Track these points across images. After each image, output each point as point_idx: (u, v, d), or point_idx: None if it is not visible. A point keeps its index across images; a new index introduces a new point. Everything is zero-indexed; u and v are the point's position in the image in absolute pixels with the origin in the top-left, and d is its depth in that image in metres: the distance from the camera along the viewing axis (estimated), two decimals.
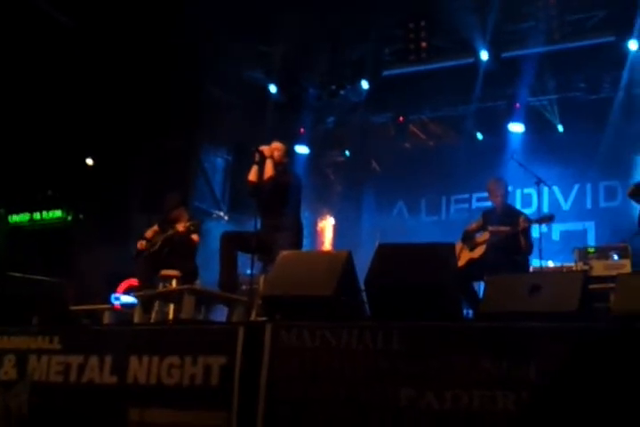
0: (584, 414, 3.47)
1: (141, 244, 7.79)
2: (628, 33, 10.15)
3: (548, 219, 7.42)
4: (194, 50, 12.17)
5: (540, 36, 10.38)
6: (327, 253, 7.68)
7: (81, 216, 13.27)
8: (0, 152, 12.61)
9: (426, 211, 13.32)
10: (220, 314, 7.31)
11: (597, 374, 3.50)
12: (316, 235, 13.65)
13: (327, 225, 13.96)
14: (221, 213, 13.79)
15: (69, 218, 13.34)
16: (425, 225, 12.92)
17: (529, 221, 7.21)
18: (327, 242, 13.81)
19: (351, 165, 13.92)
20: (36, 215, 13.57)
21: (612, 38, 10.33)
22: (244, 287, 7.48)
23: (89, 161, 13.29)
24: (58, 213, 13.43)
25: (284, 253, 4.93)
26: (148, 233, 7.93)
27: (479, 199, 12.35)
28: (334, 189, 14.21)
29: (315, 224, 13.68)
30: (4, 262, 12.21)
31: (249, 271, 6.71)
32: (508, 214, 7.44)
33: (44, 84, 11.73)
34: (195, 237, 7.69)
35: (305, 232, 7.06)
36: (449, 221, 12.65)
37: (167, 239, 7.62)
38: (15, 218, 13.70)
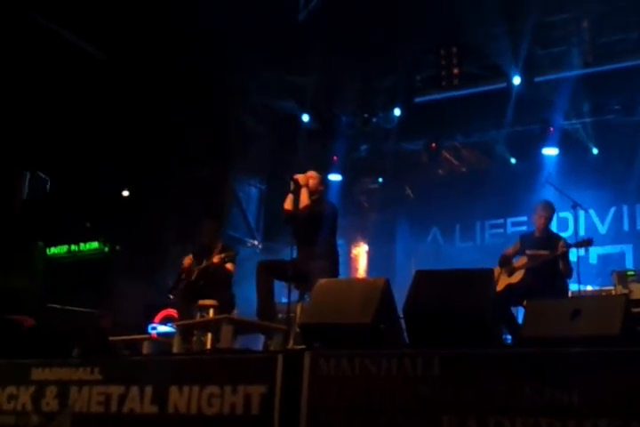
0: None
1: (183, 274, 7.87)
2: None
3: (586, 243, 7.33)
4: (226, 80, 12.33)
5: (573, 59, 10.38)
6: (364, 280, 7.64)
7: (118, 247, 13.41)
8: (38, 186, 12.84)
9: (460, 237, 13.25)
10: (257, 343, 7.31)
11: None
12: (350, 262, 13.64)
13: (361, 252, 13.95)
14: (255, 242, 13.85)
15: (106, 249, 13.48)
16: (460, 251, 12.85)
17: (567, 245, 7.14)
18: (361, 269, 13.79)
19: (384, 191, 13.92)
20: (74, 247, 13.73)
21: None
22: (280, 316, 7.48)
23: (125, 193, 13.45)
24: (95, 245, 13.58)
25: (322, 281, 4.93)
26: (186, 261, 7.97)
27: (514, 224, 12.28)
28: (368, 216, 14.21)
29: (349, 251, 13.67)
30: (43, 294, 12.35)
31: (285, 300, 6.72)
32: (547, 239, 7.36)
33: (78, 117, 11.93)
34: (230, 266, 7.72)
35: (339, 260, 7.06)
36: (484, 247, 12.58)
37: (202, 270, 7.67)
38: (53, 250, 13.87)
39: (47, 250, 13.82)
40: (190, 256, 8.04)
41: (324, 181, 7.13)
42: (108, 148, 12.53)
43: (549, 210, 7.53)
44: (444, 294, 4.38)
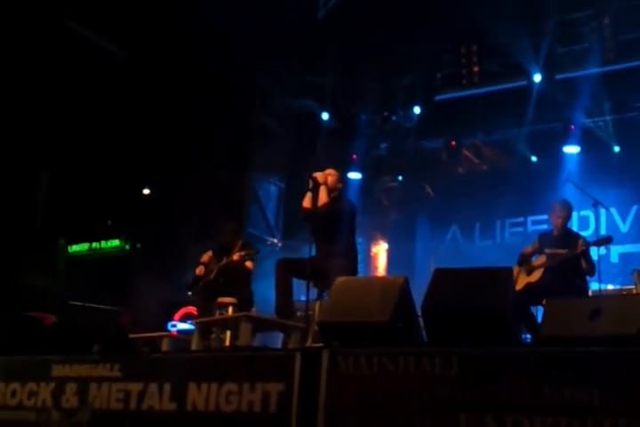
0: None
1: (200, 269, 7.90)
2: None
3: (605, 241, 7.28)
4: (246, 80, 12.36)
5: (594, 56, 10.31)
6: (383, 278, 7.65)
7: (138, 245, 13.47)
8: (59, 184, 12.92)
9: (480, 235, 13.20)
10: (276, 340, 7.32)
11: None
12: (369, 260, 13.64)
13: (381, 250, 13.94)
14: (275, 240, 13.88)
15: (127, 247, 13.54)
16: (479, 249, 12.81)
17: (587, 243, 7.09)
18: (381, 267, 13.78)
19: (404, 190, 13.90)
20: (95, 245, 13.81)
21: None
22: (299, 314, 7.49)
23: (146, 191, 13.52)
24: (116, 243, 13.65)
25: (340, 279, 4.93)
26: (205, 258, 8.02)
27: (534, 222, 12.22)
28: (387, 214, 14.19)
29: (368, 250, 13.67)
30: (64, 292, 12.43)
31: (303, 298, 6.73)
32: (566, 237, 7.31)
33: (100, 116, 12.00)
34: (249, 264, 7.74)
35: (359, 258, 7.06)
36: (504, 245, 12.52)
37: (222, 268, 7.70)
38: (75, 248, 13.95)
39: (69, 248, 13.90)
40: (209, 253, 8.08)
41: (342, 179, 7.12)
42: (129, 147, 12.59)
43: (566, 209, 7.48)
44: (464, 292, 4.36)
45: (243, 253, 7.60)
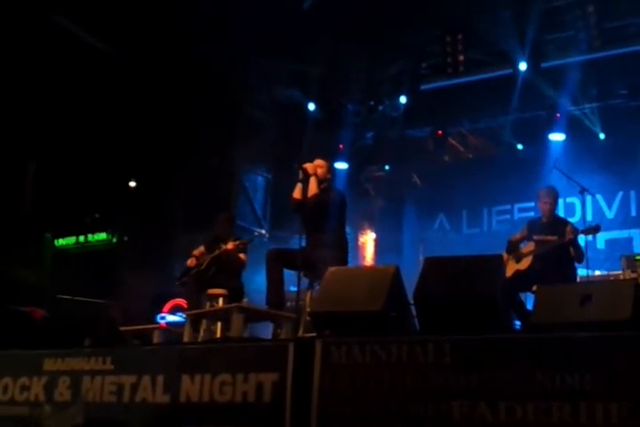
0: None
1: (191, 261, 7.89)
2: None
3: (593, 230, 7.30)
4: (231, 70, 12.31)
5: (579, 44, 10.34)
6: (374, 268, 7.66)
7: (125, 238, 13.44)
8: (45, 178, 12.87)
9: (467, 223, 13.25)
10: (267, 331, 7.34)
11: None
12: (357, 250, 13.65)
13: (368, 240, 13.96)
14: (263, 231, 13.87)
15: (114, 240, 13.52)
16: (467, 237, 12.87)
17: (575, 231, 7.12)
18: (369, 257, 13.80)
19: (391, 179, 13.92)
20: (82, 238, 13.78)
21: None
22: (289, 304, 7.50)
23: (132, 184, 13.47)
24: (103, 236, 13.63)
25: (332, 269, 4.93)
26: (196, 252, 8.01)
27: (521, 210, 12.27)
28: (375, 203, 14.21)
29: (356, 239, 13.68)
30: (52, 286, 12.40)
31: (294, 288, 6.74)
32: (555, 224, 7.35)
33: (85, 109, 11.94)
34: (242, 256, 7.74)
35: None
36: (491, 233, 12.58)
37: (215, 258, 7.69)
38: (61, 241, 13.92)
39: (55, 241, 13.87)
40: (201, 248, 8.05)
41: (331, 169, 7.12)
42: (115, 139, 12.54)
43: (552, 194, 7.50)
44: (454, 280, 4.39)
45: (237, 242, 7.60)
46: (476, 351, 3.92)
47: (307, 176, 6.70)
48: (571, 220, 8.58)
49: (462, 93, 11.72)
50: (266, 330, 7.39)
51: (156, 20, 11.00)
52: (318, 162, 6.86)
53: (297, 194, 6.80)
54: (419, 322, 4.48)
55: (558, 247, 7.09)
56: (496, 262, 4.59)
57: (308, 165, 6.76)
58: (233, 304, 6.60)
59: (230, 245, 7.57)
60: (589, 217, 10.99)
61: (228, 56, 11.89)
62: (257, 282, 7.48)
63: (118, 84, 11.81)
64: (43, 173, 12.97)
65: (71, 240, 13.94)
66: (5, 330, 6.06)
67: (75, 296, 11.50)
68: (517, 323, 6.66)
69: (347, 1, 10.36)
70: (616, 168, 11.39)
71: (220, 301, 7.37)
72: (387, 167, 13.87)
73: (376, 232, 13.91)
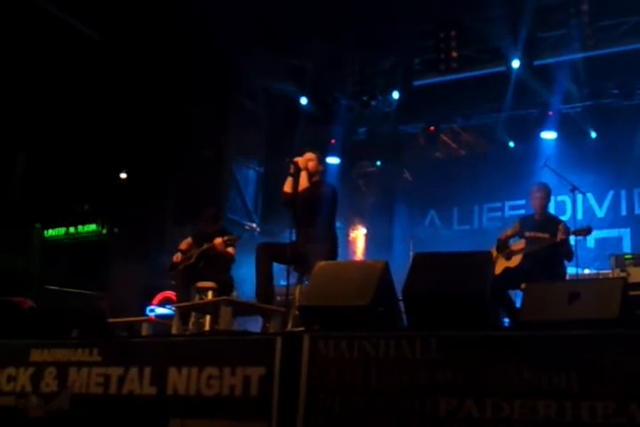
0: (628, 424, 3.43)
1: (177, 257, 7.86)
2: None
3: (585, 231, 7.29)
4: (224, 63, 12.28)
5: (572, 43, 10.35)
6: (364, 263, 7.66)
7: (115, 230, 13.41)
8: (36, 168, 12.82)
9: (458, 220, 13.28)
10: (256, 325, 7.34)
11: None
12: (347, 245, 13.66)
13: (359, 235, 13.97)
14: (253, 225, 13.85)
15: (104, 231, 13.48)
16: (457, 234, 12.90)
17: (567, 231, 7.12)
18: (359, 252, 13.82)
19: (382, 175, 13.93)
20: (72, 229, 13.73)
21: None
22: (279, 298, 7.50)
23: (123, 175, 13.43)
24: (93, 227, 13.59)
25: (321, 263, 4.93)
26: (183, 246, 8.00)
27: (512, 207, 12.30)
28: (366, 199, 14.22)
29: (347, 234, 13.70)
30: (41, 276, 12.37)
31: (283, 282, 6.74)
32: (547, 221, 7.35)
33: (77, 100, 11.90)
34: (231, 250, 7.73)
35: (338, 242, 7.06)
36: (481, 230, 12.61)
37: (203, 253, 7.68)
38: (51, 232, 13.87)
39: (45, 232, 13.82)
40: (189, 240, 8.04)
41: (322, 162, 7.10)
42: (106, 130, 12.50)
43: (544, 190, 7.51)
44: (443, 276, 4.39)
45: (225, 237, 7.59)
46: (464, 348, 3.92)
47: (298, 170, 6.68)
48: (562, 218, 8.60)
49: (455, 90, 11.73)
50: (256, 324, 7.39)
51: (150, 11, 10.95)
52: (309, 155, 6.84)
53: (288, 188, 6.78)
54: (407, 318, 4.47)
55: (549, 246, 7.10)
56: (485, 259, 4.59)
57: (299, 159, 6.74)
58: (221, 297, 6.60)
59: (218, 242, 7.54)
60: (580, 216, 11.03)
61: (222, 49, 11.86)
62: (247, 275, 7.47)
63: (111, 74, 11.77)
64: (33, 163, 12.92)
65: (61, 231, 13.89)
66: None
67: (64, 287, 11.51)
68: (506, 320, 6.69)
69: None
70: (607, 167, 11.43)
71: (210, 294, 7.36)
72: (378, 163, 13.88)
73: (367, 227, 13.92)
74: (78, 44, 11.23)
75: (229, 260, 7.80)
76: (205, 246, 7.66)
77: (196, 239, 7.97)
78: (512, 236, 7.59)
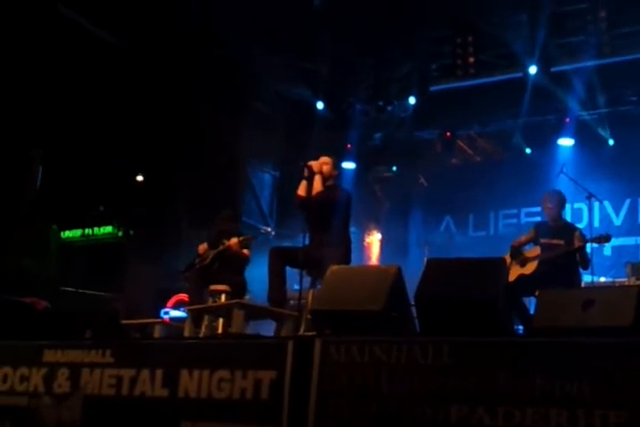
0: None
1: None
2: None
3: (604, 239, 7.23)
4: (240, 67, 12.32)
5: (590, 49, 10.31)
6: (376, 267, 7.66)
7: (131, 232, 13.45)
8: (53, 169, 12.89)
9: (473, 226, 13.25)
10: (268, 328, 7.34)
11: None
12: (363, 250, 13.66)
13: (374, 240, 13.97)
14: (268, 229, 13.87)
15: (120, 233, 13.53)
16: (472, 240, 12.86)
17: (583, 240, 7.07)
18: (374, 257, 13.81)
19: (398, 180, 13.92)
20: (88, 231, 13.79)
21: None
22: (292, 302, 7.50)
23: (139, 177, 13.49)
24: (109, 229, 13.63)
25: (334, 267, 4.92)
26: (201, 248, 8.00)
27: (528, 214, 12.26)
28: (381, 204, 14.22)
29: (362, 239, 13.70)
30: (56, 278, 12.42)
31: (297, 286, 6.73)
32: (563, 229, 7.30)
33: (94, 102, 11.96)
34: (246, 251, 7.74)
35: (352, 247, 7.05)
36: (497, 237, 12.57)
37: (218, 254, 7.69)
38: (67, 234, 13.93)
39: (61, 234, 13.88)
40: (205, 245, 8.05)
41: (337, 166, 7.09)
42: (122, 133, 12.55)
43: (556, 199, 7.46)
44: (456, 282, 4.37)
45: (241, 238, 7.61)
46: (476, 354, 3.89)
47: (312, 174, 6.68)
48: (578, 226, 8.56)
49: (472, 96, 11.71)
50: (269, 328, 7.39)
51: (165, 16, 11.00)
52: (324, 159, 6.84)
53: (302, 191, 6.78)
54: (419, 323, 4.46)
55: (564, 253, 7.05)
56: (498, 265, 4.57)
57: (313, 163, 6.75)
58: (234, 301, 6.60)
59: (233, 242, 7.56)
60: (596, 223, 10.97)
61: (238, 53, 11.89)
62: (260, 279, 7.47)
63: (128, 77, 11.82)
64: (50, 164, 12.99)
65: (77, 233, 13.95)
66: (5, 320, 6.08)
67: (79, 289, 11.56)
68: (520, 327, 6.65)
69: (357, 0, 10.34)
70: (625, 175, 11.37)
71: (223, 297, 7.37)
72: (394, 168, 13.87)
73: (382, 233, 13.91)
74: (96, 47, 11.29)
75: (244, 261, 7.80)
76: (221, 248, 7.68)
77: (211, 242, 7.98)
78: (526, 243, 7.55)
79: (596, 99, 11.23)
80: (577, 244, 7.00)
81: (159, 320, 8.38)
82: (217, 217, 8.28)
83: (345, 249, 6.65)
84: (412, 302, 4.51)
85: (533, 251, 7.40)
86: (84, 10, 10.92)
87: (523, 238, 7.60)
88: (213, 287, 7.47)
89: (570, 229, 7.35)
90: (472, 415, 3.76)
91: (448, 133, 12.67)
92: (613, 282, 8.61)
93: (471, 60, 11.18)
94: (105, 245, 13.64)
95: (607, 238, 7.25)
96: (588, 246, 7.44)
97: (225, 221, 8.14)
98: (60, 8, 10.65)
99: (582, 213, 11.41)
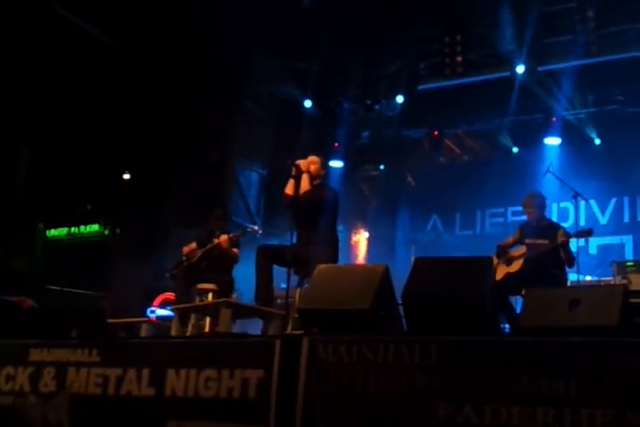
0: None
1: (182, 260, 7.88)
2: None
3: (586, 233, 7.32)
4: (228, 66, 12.29)
5: (577, 49, 10.35)
6: (364, 266, 7.64)
7: (118, 230, 13.41)
8: (39, 167, 12.83)
9: (460, 225, 13.27)
10: (256, 327, 7.33)
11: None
12: (350, 249, 13.66)
13: (361, 239, 13.97)
14: (256, 227, 13.78)
15: (106, 232, 13.47)
16: (459, 239, 12.89)
17: (567, 235, 7.13)
18: (361, 256, 13.81)
19: (386, 179, 13.94)
20: (74, 229, 13.73)
21: None
22: (279, 301, 7.49)
23: (126, 176, 13.44)
24: (95, 228, 13.58)
25: (321, 266, 4.92)
26: (186, 249, 7.98)
27: (514, 213, 12.28)
28: (368, 203, 14.22)
29: (349, 238, 13.69)
30: (42, 276, 12.36)
31: (284, 285, 6.72)
32: (546, 228, 7.35)
33: (81, 100, 11.91)
34: (235, 250, 7.73)
35: (339, 246, 7.04)
36: (484, 236, 12.61)
37: (207, 252, 7.68)
38: (53, 232, 13.87)
39: (47, 232, 13.82)
40: (192, 245, 8.02)
41: (324, 165, 7.08)
42: (110, 131, 12.51)
43: (537, 202, 7.50)
44: (443, 281, 4.38)
45: (231, 235, 7.59)
46: (463, 353, 3.90)
47: (299, 173, 6.67)
48: (564, 224, 8.59)
49: (459, 95, 11.73)
50: (256, 326, 7.38)
51: (157, 14, 10.97)
52: (312, 158, 6.83)
53: (289, 190, 6.77)
54: (406, 322, 4.46)
55: (549, 251, 7.09)
56: (485, 264, 4.58)
57: (300, 162, 6.73)
58: (221, 299, 6.59)
59: (223, 239, 7.55)
60: (582, 222, 10.98)
61: (228, 52, 11.87)
62: (247, 278, 7.46)
63: (116, 75, 11.78)
64: (36, 162, 12.93)
65: (63, 231, 13.89)
66: None
67: (65, 287, 11.51)
68: (506, 326, 6.67)
69: None
70: (610, 174, 11.41)
71: (210, 296, 7.36)
72: (382, 167, 13.88)
73: (369, 231, 13.92)
74: (85, 45, 11.24)
75: (233, 260, 7.80)
76: (210, 246, 7.66)
77: (201, 240, 7.96)
78: (513, 243, 7.58)
79: (582, 98, 11.29)
80: (560, 239, 7.04)
81: (146, 319, 8.36)
82: (209, 216, 8.26)
83: (332, 248, 6.64)
84: (400, 301, 4.51)
85: (519, 250, 7.43)
86: (75, 6, 10.86)
87: (510, 239, 7.63)
88: (200, 286, 7.45)
89: (554, 227, 7.39)
90: (459, 414, 3.77)
91: (436, 132, 12.69)
92: (599, 281, 8.63)
93: (459, 59, 11.20)
94: (91, 243, 13.58)
95: (589, 232, 7.31)
96: (574, 245, 7.48)
97: (216, 220, 8.13)
98: (55, 7, 10.60)
99: (568, 212, 11.47)
